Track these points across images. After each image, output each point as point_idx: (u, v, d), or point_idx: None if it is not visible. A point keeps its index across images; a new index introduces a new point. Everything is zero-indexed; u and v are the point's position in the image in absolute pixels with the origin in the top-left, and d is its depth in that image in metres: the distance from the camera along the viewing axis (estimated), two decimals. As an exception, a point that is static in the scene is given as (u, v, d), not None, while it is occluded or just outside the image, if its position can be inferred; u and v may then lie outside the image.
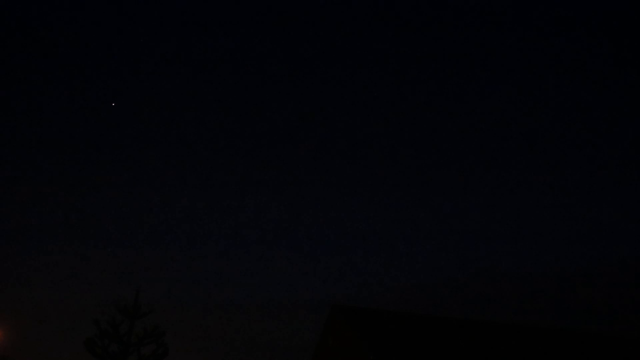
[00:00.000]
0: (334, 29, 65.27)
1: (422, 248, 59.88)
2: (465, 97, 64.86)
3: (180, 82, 65.31)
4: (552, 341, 25.36)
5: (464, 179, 64.64)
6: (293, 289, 55.40)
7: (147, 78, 62.97)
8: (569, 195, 62.75)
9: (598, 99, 64.30)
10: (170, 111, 65.60)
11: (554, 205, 62.30)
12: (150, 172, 63.19)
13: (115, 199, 60.76)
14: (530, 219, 62.80)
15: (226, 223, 60.78)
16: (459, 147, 65.16)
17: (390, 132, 64.95)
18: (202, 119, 64.36)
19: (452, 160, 64.67)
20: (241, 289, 54.71)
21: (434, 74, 64.43)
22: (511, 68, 64.60)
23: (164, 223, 59.50)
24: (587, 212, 62.37)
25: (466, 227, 62.25)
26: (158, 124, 64.27)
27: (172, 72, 64.02)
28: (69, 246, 53.45)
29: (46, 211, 58.70)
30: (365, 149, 65.51)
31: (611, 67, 63.60)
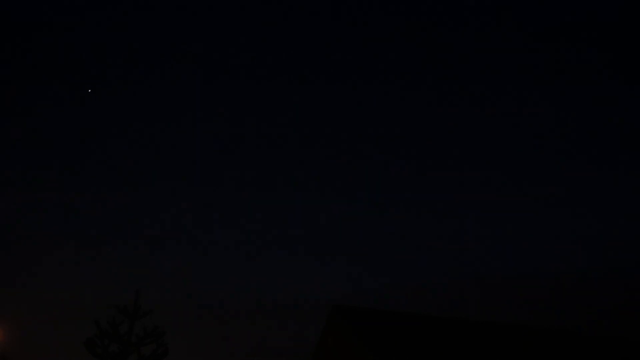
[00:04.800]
0: (333, 29, 65.24)
1: (422, 248, 59.77)
2: (463, 96, 64.86)
3: (178, 81, 65.32)
4: (552, 341, 25.36)
5: (465, 179, 64.58)
6: (293, 289, 55.23)
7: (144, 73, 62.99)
8: (569, 195, 62.70)
9: (597, 100, 64.30)
10: (169, 110, 65.53)
11: (555, 205, 62.23)
12: (149, 172, 63.12)
13: (115, 199, 60.66)
14: (531, 219, 62.74)
15: (226, 222, 60.66)
16: (457, 148, 65.11)
17: (389, 133, 64.91)
18: (200, 116, 64.26)
19: (452, 160, 64.61)
20: (241, 289, 54.53)
21: (432, 76, 64.43)
22: (510, 70, 64.59)
23: (164, 223, 59.42)
24: (587, 212, 62.30)
25: (467, 227, 62.19)
26: (157, 123, 64.20)
27: (171, 72, 64.00)
28: (69, 246, 53.31)
29: (46, 211, 58.60)
30: (365, 150, 65.45)
31: (610, 67, 63.55)
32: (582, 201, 62.89)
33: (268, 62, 65.38)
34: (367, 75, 65.44)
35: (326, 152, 66.08)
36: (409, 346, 22.60)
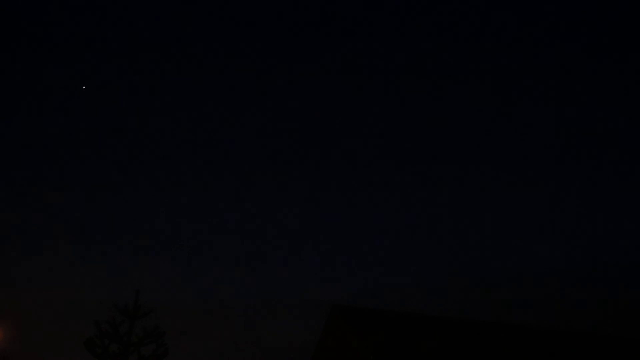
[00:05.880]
0: (333, 27, 65.26)
1: (422, 248, 59.82)
2: (464, 97, 64.95)
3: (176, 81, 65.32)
4: (552, 341, 25.37)
5: (464, 178, 64.62)
6: (293, 289, 55.29)
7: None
8: (568, 194, 62.73)
9: (595, 98, 64.32)
10: (167, 108, 65.53)
11: (554, 204, 62.28)
12: (149, 172, 63.15)
13: (114, 199, 60.71)
14: (530, 218, 62.77)
15: (225, 222, 60.67)
16: (456, 148, 65.16)
17: (389, 133, 64.96)
18: (199, 115, 64.30)
19: (452, 158, 64.64)
20: (241, 289, 54.57)
21: (433, 75, 64.45)
22: (510, 70, 64.63)
23: (163, 223, 59.42)
24: (587, 213, 62.33)
25: (467, 227, 62.23)
26: (155, 122, 64.21)
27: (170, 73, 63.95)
28: (69, 246, 53.32)
29: (46, 211, 58.60)
30: (366, 150, 65.46)
31: (610, 66, 63.59)
32: (582, 201, 62.92)
33: (267, 61, 65.41)
34: (369, 75, 65.46)
35: (328, 152, 66.12)
36: (408, 346, 22.60)
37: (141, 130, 63.71)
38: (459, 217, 62.48)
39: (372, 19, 64.15)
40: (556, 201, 62.95)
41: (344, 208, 63.49)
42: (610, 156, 62.53)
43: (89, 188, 61.10)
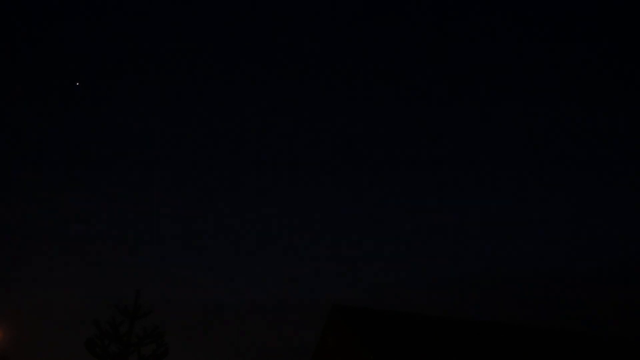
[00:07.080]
0: (332, 28, 65.33)
1: (421, 248, 59.86)
2: (465, 98, 64.99)
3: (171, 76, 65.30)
4: (552, 341, 25.38)
5: (463, 178, 64.68)
6: (293, 289, 55.35)
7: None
8: (568, 195, 62.78)
9: (596, 99, 64.32)
10: (166, 110, 65.58)
11: (554, 204, 62.34)
12: (148, 171, 63.23)
13: (114, 198, 60.73)
14: (530, 218, 62.80)
15: (225, 222, 60.72)
16: (457, 149, 65.22)
17: (388, 133, 65.01)
18: (197, 115, 64.33)
19: (450, 159, 64.70)
20: (241, 289, 54.61)
21: (435, 74, 64.53)
22: (511, 69, 64.64)
23: (163, 223, 59.49)
24: (586, 212, 62.38)
25: (466, 227, 62.26)
26: (153, 123, 64.26)
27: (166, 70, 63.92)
28: (69, 246, 53.37)
29: (46, 211, 58.64)
30: (367, 151, 65.53)
31: (611, 66, 63.62)
32: (581, 202, 62.94)
33: (268, 62, 65.44)
34: (370, 78, 65.51)
35: (326, 153, 66.14)
36: (408, 346, 22.60)
37: (140, 132, 63.78)
38: (458, 219, 62.56)
39: (373, 20, 64.24)
40: (555, 202, 62.96)
41: (345, 210, 63.55)
42: (609, 157, 62.57)
43: (89, 188, 61.16)
